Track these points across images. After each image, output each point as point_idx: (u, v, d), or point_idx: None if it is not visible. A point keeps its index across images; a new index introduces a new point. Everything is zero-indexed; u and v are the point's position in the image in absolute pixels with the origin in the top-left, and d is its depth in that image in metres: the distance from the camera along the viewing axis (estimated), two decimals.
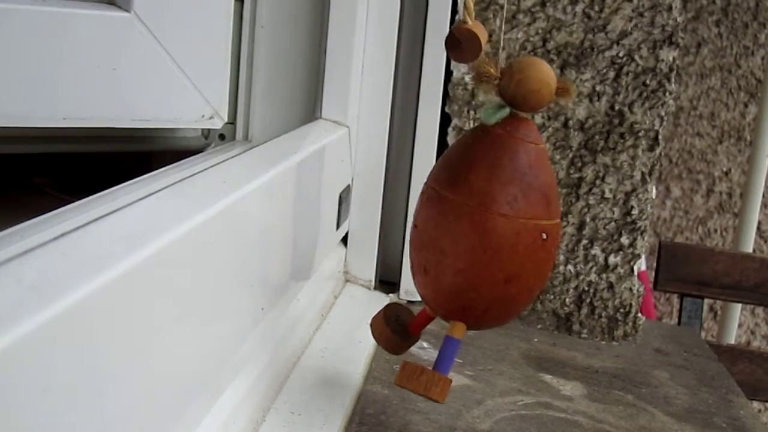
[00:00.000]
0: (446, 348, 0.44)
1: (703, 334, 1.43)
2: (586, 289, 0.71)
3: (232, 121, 0.59)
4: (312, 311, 0.60)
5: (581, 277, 0.71)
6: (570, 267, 0.71)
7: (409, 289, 0.71)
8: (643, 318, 0.72)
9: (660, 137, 0.68)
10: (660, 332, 0.76)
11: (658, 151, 0.68)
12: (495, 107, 0.42)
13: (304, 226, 0.55)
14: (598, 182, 0.69)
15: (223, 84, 0.53)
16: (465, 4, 0.42)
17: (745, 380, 1.16)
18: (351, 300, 0.69)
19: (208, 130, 0.61)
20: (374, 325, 0.49)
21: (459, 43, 0.42)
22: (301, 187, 0.52)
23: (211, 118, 0.52)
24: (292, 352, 0.54)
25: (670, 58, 0.67)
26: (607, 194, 0.69)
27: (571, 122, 0.69)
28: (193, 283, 0.36)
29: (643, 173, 0.69)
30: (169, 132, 0.60)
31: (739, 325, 1.73)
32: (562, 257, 0.71)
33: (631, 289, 0.71)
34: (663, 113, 0.68)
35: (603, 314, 0.71)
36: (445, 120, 0.69)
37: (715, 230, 1.86)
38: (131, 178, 0.41)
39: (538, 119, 0.69)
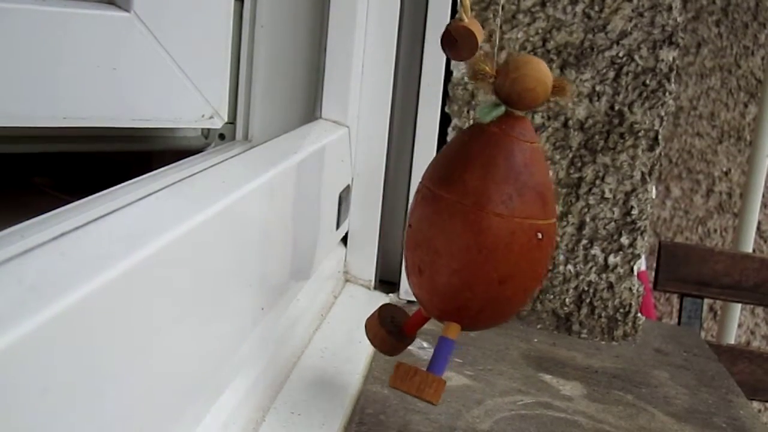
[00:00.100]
0: (440, 348, 0.44)
1: (703, 334, 1.43)
2: (586, 289, 0.71)
3: (232, 121, 0.59)
4: (312, 311, 0.60)
5: (581, 277, 0.71)
6: (570, 267, 0.71)
7: (408, 289, 0.71)
8: (643, 318, 0.72)
9: (660, 137, 0.68)
10: (660, 332, 0.76)
11: (658, 151, 0.68)
12: (490, 105, 0.42)
13: (304, 226, 0.55)
14: (597, 182, 0.69)
15: (223, 84, 0.53)
16: (461, 1, 0.41)
17: (745, 380, 1.16)
18: (351, 300, 0.69)
19: (208, 129, 0.61)
20: (369, 326, 0.49)
21: (455, 41, 0.41)
22: (300, 187, 0.52)
23: (211, 117, 0.52)
24: (292, 352, 0.54)
25: (670, 58, 0.67)
26: (607, 194, 0.69)
27: (570, 122, 0.69)
28: (193, 283, 0.36)
29: (643, 173, 0.69)
30: (169, 132, 0.60)
31: (739, 325, 1.73)
32: (561, 257, 0.71)
33: (630, 289, 0.71)
34: (663, 113, 0.68)
35: (603, 314, 0.71)
36: (445, 120, 0.69)
37: (715, 230, 1.86)
38: (131, 178, 0.41)
39: (538, 119, 0.69)
